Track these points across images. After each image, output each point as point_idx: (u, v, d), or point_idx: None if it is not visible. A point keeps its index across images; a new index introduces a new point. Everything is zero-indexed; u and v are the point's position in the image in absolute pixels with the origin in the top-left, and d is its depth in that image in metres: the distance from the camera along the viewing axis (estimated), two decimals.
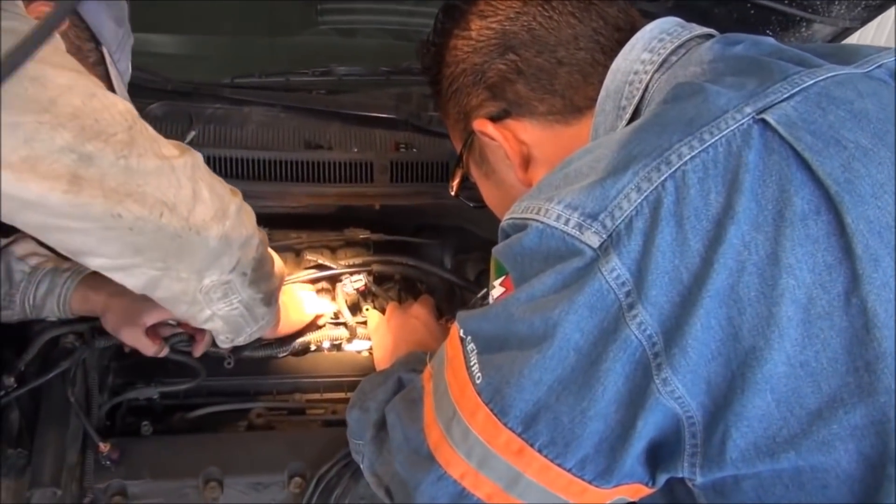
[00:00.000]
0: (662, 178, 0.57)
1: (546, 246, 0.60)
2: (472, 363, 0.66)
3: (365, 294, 1.24)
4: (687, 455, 0.58)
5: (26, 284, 1.04)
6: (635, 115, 0.70)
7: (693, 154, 0.58)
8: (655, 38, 0.73)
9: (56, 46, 0.71)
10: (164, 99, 1.25)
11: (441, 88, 0.86)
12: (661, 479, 0.62)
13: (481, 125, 0.79)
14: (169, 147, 0.78)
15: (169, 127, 1.22)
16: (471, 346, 0.67)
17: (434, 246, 1.40)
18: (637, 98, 0.70)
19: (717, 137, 0.58)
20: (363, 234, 1.30)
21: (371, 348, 1.17)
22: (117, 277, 0.80)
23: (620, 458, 0.59)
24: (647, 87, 0.70)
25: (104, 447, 0.96)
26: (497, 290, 0.67)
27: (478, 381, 0.65)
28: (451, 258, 1.42)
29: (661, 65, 0.71)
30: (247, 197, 1.19)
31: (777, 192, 0.56)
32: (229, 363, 1.11)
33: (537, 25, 0.77)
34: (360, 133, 1.29)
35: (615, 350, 0.57)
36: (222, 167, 1.20)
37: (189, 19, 1.64)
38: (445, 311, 1.25)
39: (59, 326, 1.07)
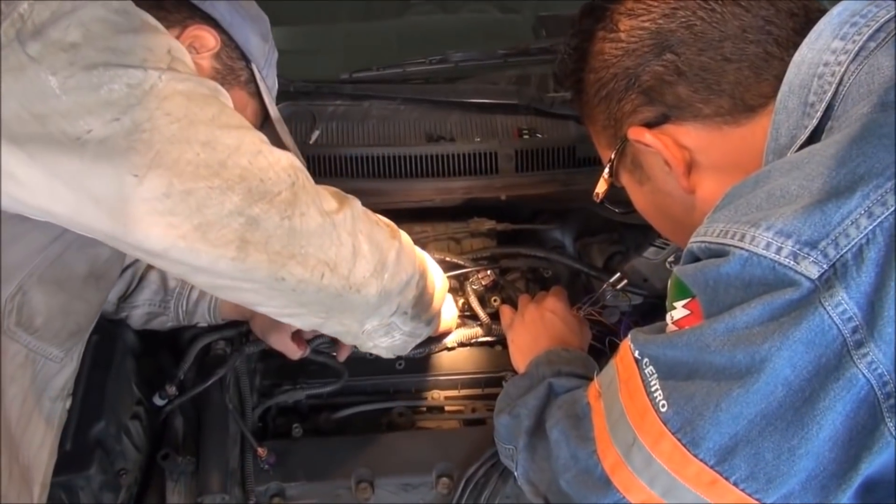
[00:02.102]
0: None
1: (749, 274, 0.56)
2: (653, 388, 0.63)
3: (493, 287, 1.23)
4: None
5: (180, 291, 1.09)
6: (827, 112, 0.63)
7: None
8: (846, 22, 0.65)
9: (223, 105, 0.71)
10: (286, 100, 1.26)
11: (586, 95, 0.80)
12: None
13: (637, 134, 0.74)
14: (329, 200, 0.77)
15: (294, 127, 1.23)
16: (649, 369, 0.64)
17: (554, 230, 1.37)
18: (829, 94, 0.63)
19: None
20: (488, 225, 1.28)
21: (506, 343, 1.16)
22: (285, 321, 0.82)
23: (834, 497, 0.56)
24: (840, 80, 0.63)
25: (262, 452, 0.99)
26: (679, 312, 0.63)
27: (663, 410, 0.62)
28: (573, 241, 1.38)
29: (856, 54, 0.63)
30: (373, 194, 1.20)
31: None
32: (401, 364, 1.14)
33: (698, 20, 0.71)
34: (480, 121, 1.27)
35: (837, 389, 0.53)
36: (347, 166, 1.20)
37: (283, 12, 1.64)
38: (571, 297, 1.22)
39: (210, 333, 1.11)
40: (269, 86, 0.95)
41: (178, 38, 0.85)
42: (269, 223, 0.70)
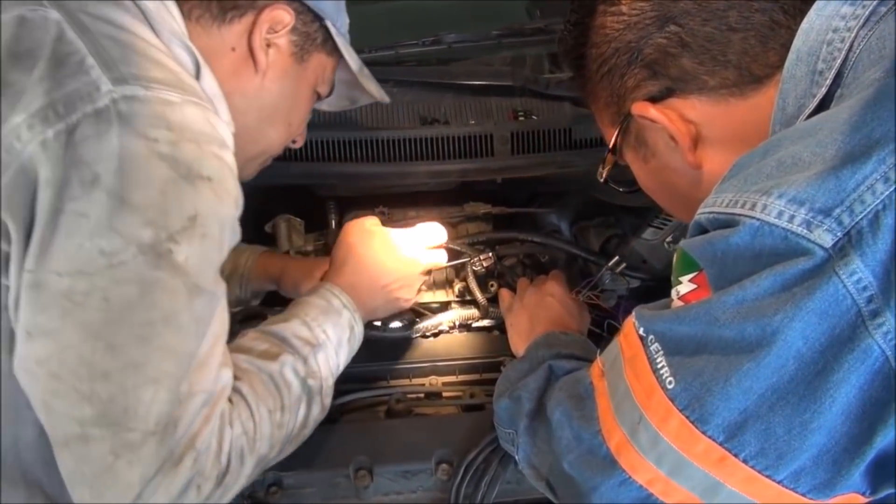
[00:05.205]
0: None
1: (760, 244, 0.54)
2: (659, 365, 0.62)
3: (492, 271, 1.21)
4: None
5: None
6: (837, 79, 0.62)
7: None
8: None
9: (185, 305, 0.70)
10: None
11: (588, 71, 0.78)
12: (885, 491, 0.57)
13: (641, 109, 0.72)
14: (174, 482, 0.70)
15: None
16: (654, 346, 0.63)
17: (550, 214, 1.35)
18: (839, 60, 0.61)
19: None
20: (483, 209, 1.26)
21: (503, 328, 1.14)
22: None
23: (846, 472, 0.55)
24: (850, 46, 0.61)
25: None
26: (685, 287, 0.62)
27: (670, 387, 0.61)
28: (569, 225, 1.37)
29: (867, 19, 0.61)
30: (367, 178, 1.18)
31: None
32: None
33: None
34: (475, 103, 1.24)
35: (851, 361, 0.51)
36: (340, 150, 1.18)
37: None
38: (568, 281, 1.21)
39: None
40: (342, 32, 0.91)
41: (253, 23, 0.83)
42: (95, 450, 0.67)
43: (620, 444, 0.66)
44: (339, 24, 0.90)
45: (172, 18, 0.78)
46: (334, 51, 0.92)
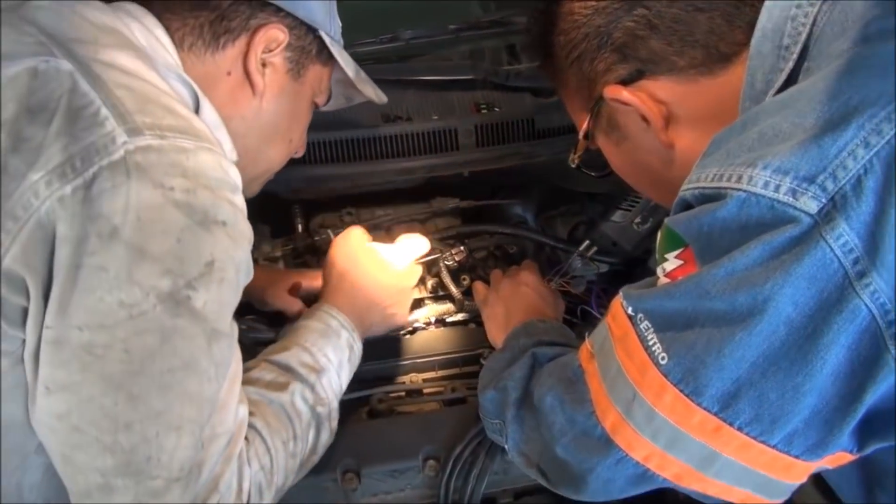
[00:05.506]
0: None
1: (746, 216, 0.55)
2: (650, 343, 0.63)
3: (464, 265, 1.21)
4: None
5: None
6: (803, 53, 0.63)
7: None
8: None
9: (202, 353, 0.70)
10: None
11: (557, 59, 0.79)
12: (871, 447, 0.59)
13: (613, 92, 0.73)
14: None
15: None
16: (644, 324, 0.64)
17: (516, 205, 1.36)
18: (804, 35, 0.63)
19: None
20: (451, 203, 1.26)
21: (479, 321, 1.14)
22: None
23: (838, 430, 0.56)
24: (814, 21, 0.63)
25: None
26: (672, 263, 0.63)
27: (663, 362, 0.61)
28: (534, 216, 1.38)
29: None
30: (332, 180, 1.17)
31: None
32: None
33: None
34: (436, 99, 1.24)
35: (840, 322, 0.53)
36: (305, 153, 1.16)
37: None
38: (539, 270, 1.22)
39: None
40: (336, 39, 0.90)
41: (248, 46, 0.81)
42: (119, 500, 0.68)
43: (616, 423, 0.67)
44: (332, 32, 0.89)
45: (166, 51, 0.77)
46: (329, 59, 0.91)
